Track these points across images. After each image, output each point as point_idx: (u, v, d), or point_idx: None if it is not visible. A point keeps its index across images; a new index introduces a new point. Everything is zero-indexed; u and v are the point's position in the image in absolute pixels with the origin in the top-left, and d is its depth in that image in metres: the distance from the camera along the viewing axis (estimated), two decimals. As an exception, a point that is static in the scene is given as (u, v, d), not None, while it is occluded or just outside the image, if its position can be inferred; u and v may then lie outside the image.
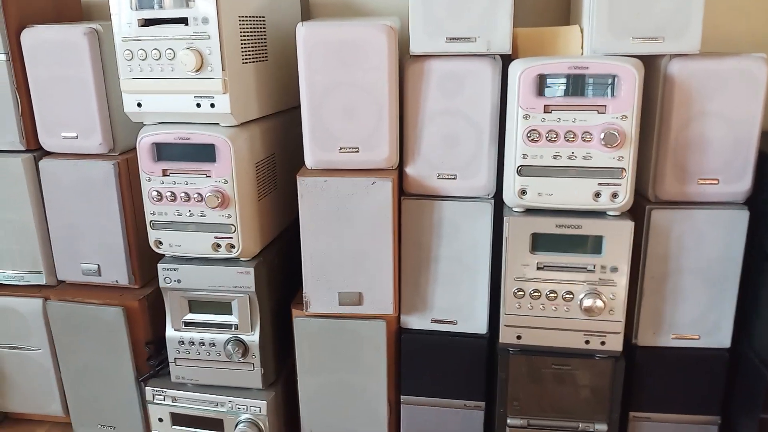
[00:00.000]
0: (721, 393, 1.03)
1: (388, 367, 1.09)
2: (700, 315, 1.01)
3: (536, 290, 0.98)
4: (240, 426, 1.13)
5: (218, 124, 0.97)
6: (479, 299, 1.05)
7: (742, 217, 0.96)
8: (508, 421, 1.06)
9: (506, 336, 1.01)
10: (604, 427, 1.04)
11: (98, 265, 1.15)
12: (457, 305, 1.07)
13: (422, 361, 1.09)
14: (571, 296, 0.97)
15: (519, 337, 1.01)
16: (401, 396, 1.12)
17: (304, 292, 1.05)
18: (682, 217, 0.96)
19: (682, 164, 0.94)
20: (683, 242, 0.97)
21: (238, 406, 1.13)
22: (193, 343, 1.11)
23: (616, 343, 0.99)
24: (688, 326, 1.01)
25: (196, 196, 1.00)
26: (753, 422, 0.99)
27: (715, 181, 0.95)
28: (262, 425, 1.13)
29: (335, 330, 1.08)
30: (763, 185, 0.96)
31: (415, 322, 1.09)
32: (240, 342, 1.09)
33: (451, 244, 1.03)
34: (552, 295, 0.97)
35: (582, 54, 0.93)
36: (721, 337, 1.02)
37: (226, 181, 0.98)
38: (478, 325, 1.07)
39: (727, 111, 0.92)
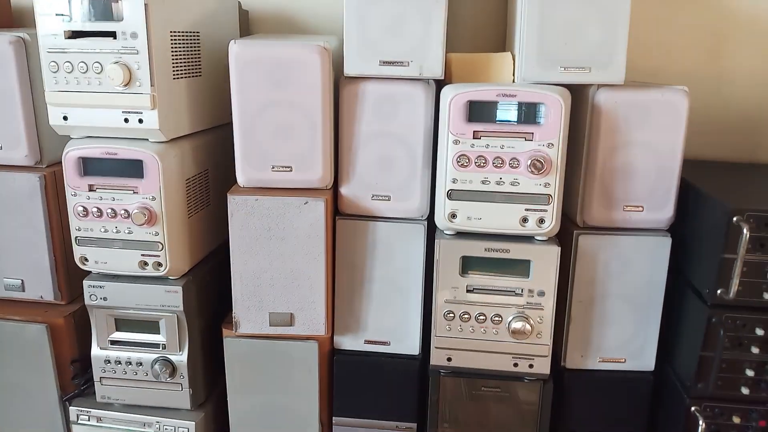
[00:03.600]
0: (645, 415, 1.06)
1: (320, 388, 1.08)
2: (626, 339, 1.03)
3: (466, 313, 0.98)
4: (169, 448, 1.10)
5: (147, 139, 0.95)
6: (412, 320, 1.05)
7: (665, 243, 0.98)
8: (440, 442, 1.06)
9: (437, 358, 1.01)
10: (532, 449, 1.05)
11: (22, 280, 1.11)
12: (390, 326, 1.06)
13: (355, 382, 1.08)
14: (500, 319, 0.98)
15: (449, 359, 1.01)
16: (334, 417, 1.11)
17: (233, 312, 1.03)
18: (608, 243, 0.99)
19: (608, 191, 0.97)
20: (609, 267, 0.99)
21: (165, 427, 1.10)
22: (120, 363, 1.08)
23: (543, 366, 1.00)
24: (615, 350, 1.03)
25: (122, 212, 0.97)
26: (675, 443, 1.02)
27: (640, 209, 0.98)
28: (189, 447, 1.11)
29: (266, 351, 1.06)
30: (685, 213, 0.99)
31: (348, 342, 1.08)
32: (168, 362, 1.07)
33: (385, 265, 1.03)
34: (481, 317, 0.98)
35: (513, 81, 0.94)
36: (646, 360, 1.04)
37: (153, 198, 0.96)
38: (411, 346, 1.07)
39: (651, 140, 0.94)
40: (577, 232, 0.99)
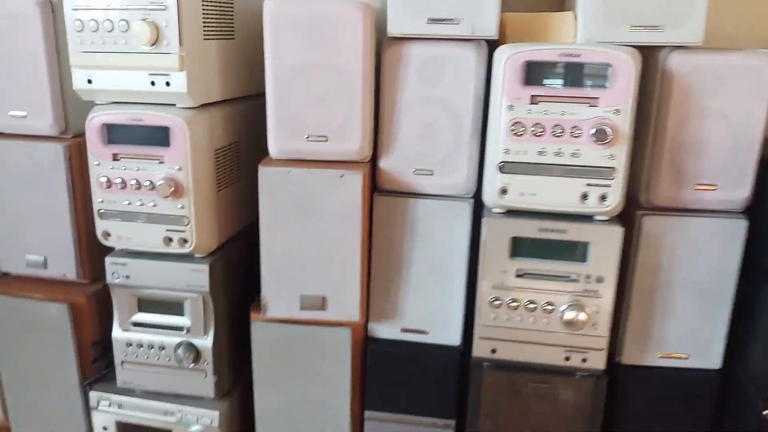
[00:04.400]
0: (709, 419, 0.96)
1: (352, 380, 1.00)
2: (690, 333, 0.93)
3: (514, 300, 0.90)
4: (200, 439, 1.03)
5: (174, 105, 0.89)
6: (453, 308, 0.97)
7: (740, 227, 0.88)
8: (481, 441, 0.97)
9: (480, 349, 0.93)
10: (579, 451, 0.96)
11: (44, 257, 1.06)
12: (429, 314, 0.98)
13: (390, 374, 1.00)
14: (552, 308, 0.89)
15: (494, 351, 0.93)
16: (366, 411, 1.03)
17: (262, 293, 0.96)
18: (676, 225, 0.89)
19: (678, 167, 0.87)
20: (676, 252, 0.90)
21: (188, 416, 1.04)
22: (142, 346, 1.02)
23: (598, 361, 0.91)
24: (677, 344, 0.94)
25: (147, 183, 0.91)
26: (744, 452, 0.91)
27: (713, 187, 0.88)
28: (215, 438, 1.04)
29: (296, 337, 0.99)
30: (764, 194, 0.89)
31: (384, 330, 1.00)
32: (191, 346, 1.00)
33: (426, 246, 0.95)
34: (531, 305, 0.89)
35: (575, 42, 0.86)
36: (712, 358, 0.94)
37: (180, 169, 0.90)
38: (451, 336, 0.99)
39: (728, 111, 0.85)
40: (641, 213, 0.89)
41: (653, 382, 0.95)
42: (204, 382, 1.02)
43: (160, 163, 0.90)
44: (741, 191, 0.87)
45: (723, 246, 0.89)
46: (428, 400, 1.01)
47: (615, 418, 0.97)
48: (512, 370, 0.94)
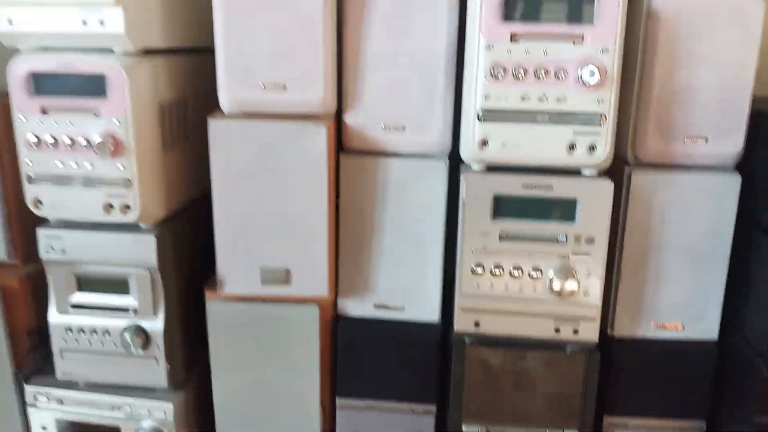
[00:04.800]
0: (708, 393, 0.88)
1: (321, 363, 0.91)
2: (684, 300, 0.86)
3: (498, 266, 0.81)
4: (140, 434, 0.92)
5: (112, 51, 0.78)
6: (431, 280, 0.88)
7: (733, 183, 0.82)
8: (464, 428, 0.88)
9: (462, 322, 0.84)
10: (575, 434, 0.88)
11: (-30, 237, 0.94)
12: (404, 287, 0.89)
13: (363, 356, 0.91)
14: (540, 274, 0.81)
15: (477, 324, 0.84)
16: (337, 398, 0.93)
17: (217, 267, 0.86)
18: (666, 182, 0.82)
19: (666, 119, 0.80)
20: (667, 212, 0.83)
21: (138, 411, 0.93)
22: (83, 331, 0.91)
23: (591, 332, 0.83)
24: (671, 313, 0.86)
25: (82, 141, 0.80)
26: (746, 425, 0.84)
27: (704, 139, 0.81)
28: (167, 434, 0.93)
29: (257, 316, 0.89)
30: (756, 146, 0.82)
31: (355, 307, 0.91)
32: (140, 330, 0.89)
33: (398, 211, 0.86)
34: (516, 272, 0.81)
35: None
36: (708, 327, 0.87)
37: (119, 123, 0.79)
38: (430, 311, 0.90)
39: (717, 57, 0.78)
40: (630, 169, 0.82)
41: (647, 356, 0.87)
42: (155, 371, 0.92)
43: (96, 116, 0.80)
44: (733, 144, 0.80)
45: (716, 204, 0.82)
46: (406, 384, 0.91)
47: (607, 398, 0.89)
48: (497, 346, 0.85)
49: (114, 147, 0.79)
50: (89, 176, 0.82)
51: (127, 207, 0.83)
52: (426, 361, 0.90)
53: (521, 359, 0.85)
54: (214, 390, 0.93)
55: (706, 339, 0.87)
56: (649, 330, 0.87)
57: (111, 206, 0.84)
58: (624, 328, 0.87)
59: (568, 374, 0.85)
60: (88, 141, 0.80)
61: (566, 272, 0.79)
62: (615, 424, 0.90)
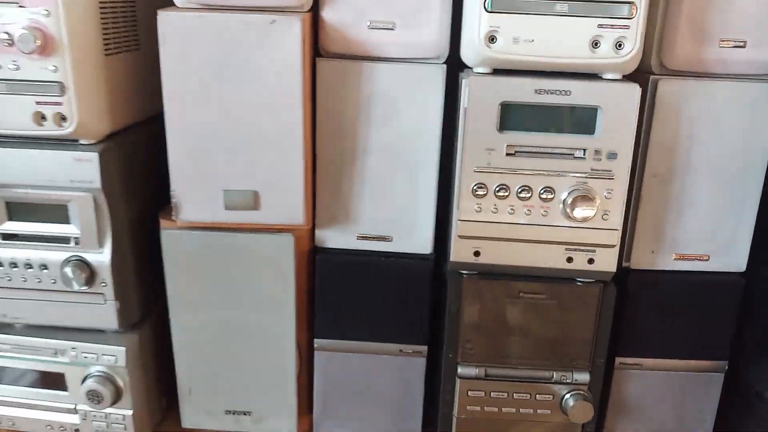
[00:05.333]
0: (731, 331, 0.79)
1: (297, 301, 0.79)
2: (711, 228, 0.76)
3: (503, 186, 0.69)
4: (88, 382, 0.81)
5: None
6: (423, 207, 0.77)
7: (773, 94, 0.70)
8: (459, 370, 0.78)
9: (460, 252, 0.73)
10: (585, 376, 0.78)
11: None
12: (392, 216, 0.77)
13: (344, 292, 0.80)
14: (552, 194, 0.69)
15: (477, 254, 0.73)
16: (315, 339, 0.82)
17: (172, 189, 0.73)
18: (697, 92, 0.70)
19: (699, 20, 0.68)
20: (696, 127, 0.71)
21: (85, 356, 0.81)
22: (17, 265, 0.78)
23: (608, 261, 0.72)
24: (696, 243, 0.76)
25: (4, 36, 0.65)
26: (772, 368, 0.75)
27: (741, 44, 0.69)
28: (119, 381, 0.81)
29: (221, 248, 0.77)
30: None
31: (336, 238, 0.79)
32: (82, 264, 0.77)
33: (386, 127, 0.74)
34: (525, 192, 0.69)
35: None
36: (736, 258, 0.77)
37: (47, 13, 0.65)
38: (421, 242, 0.78)
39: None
40: (656, 78, 0.70)
41: (667, 290, 0.78)
42: (103, 311, 0.79)
43: (19, 6, 0.65)
44: (773, 49, 0.69)
45: (752, 118, 0.71)
46: (393, 323, 0.81)
47: (621, 337, 0.79)
48: (499, 278, 0.74)
49: (42, 43, 0.65)
50: (14, 79, 0.68)
51: (63, 118, 0.69)
52: (417, 296, 0.79)
53: (526, 293, 0.74)
54: (173, 331, 0.81)
55: (733, 271, 0.77)
56: (669, 261, 0.77)
57: (43, 117, 0.70)
58: (642, 259, 0.77)
59: (578, 310, 0.75)
60: (10, 35, 0.65)
61: (583, 193, 0.68)
62: (627, 366, 0.81)
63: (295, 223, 0.75)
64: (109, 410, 0.83)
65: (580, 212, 0.68)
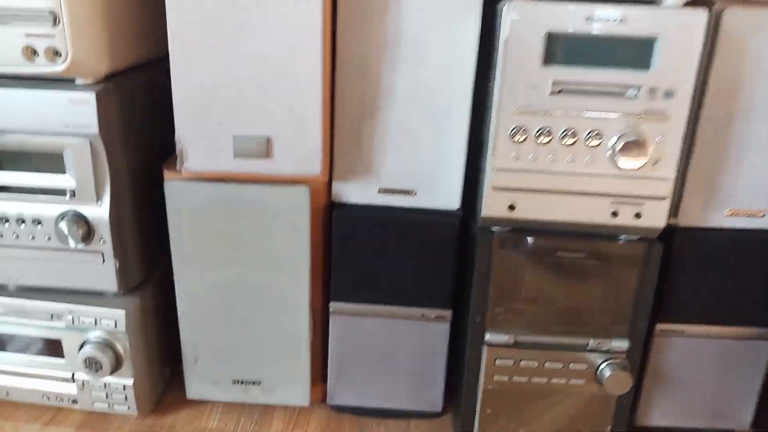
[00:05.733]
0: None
1: (312, 260, 0.73)
2: (769, 181, 0.69)
3: (545, 129, 0.62)
4: (86, 349, 0.74)
5: None
6: (452, 158, 0.70)
7: None
8: (487, 336, 0.72)
9: (493, 205, 0.66)
10: (623, 344, 0.72)
11: None
12: (417, 168, 0.71)
13: (363, 252, 0.73)
14: (599, 140, 0.62)
15: (512, 208, 0.66)
16: (331, 302, 0.76)
17: (177, 136, 0.66)
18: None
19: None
20: (763, 65, 0.64)
21: (82, 320, 0.74)
22: (8, 221, 0.71)
23: (657, 216, 0.66)
24: (752, 198, 0.69)
25: (-15, -45, 0.58)
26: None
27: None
28: (119, 348, 0.75)
29: (229, 201, 0.70)
30: None
31: (355, 192, 0.72)
32: (79, 218, 0.70)
33: (413, 67, 0.67)
34: (569, 138, 0.62)
35: None
36: (795, 215, 0.70)
37: (35, -72, 0.57)
38: (448, 196, 0.72)
39: None
40: (720, 6, 0.62)
41: (717, 249, 0.71)
42: (102, 270, 0.73)
43: None
44: None
45: (826, 56, 0.64)
46: (416, 285, 0.74)
47: (662, 301, 0.73)
48: (536, 235, 0.67)
49: (28, -40, 0.57)
50: (2, 7, 0.60)
51: (56, 53, 0.62)
52: (442, 256, 0.73)
53: (563, 251, 0.68)
54: (177, 294, 0.75)
55: (791, 228, 0.71)
56: (721, 218, 0.70)
57: (34, 52, 0.63)
58: (691, 214, 0.70)
59: (620, 270, 0.68)
60: (-9, -48, 0.58)
61: (634, 138, 0.61)
62: (669, 332, 0.74)
63: (311, 174, 0.68)
64: (108, 379, 0.77)
65: (629, 160, 0.61)
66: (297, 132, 0.66)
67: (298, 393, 0.79)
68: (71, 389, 0.78)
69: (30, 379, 0.79)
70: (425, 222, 0.71)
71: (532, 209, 0.66)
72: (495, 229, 0.68)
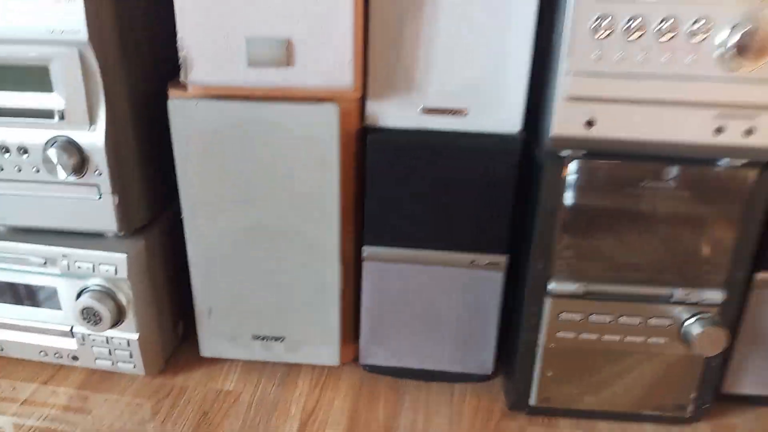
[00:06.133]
0: None
1: (343, 197, 0.61)
2: None
3: (636, 19, 0.49)
4: (83, 298, 0.65)
5: None
6: (513, 69, 0.57)
7: None
8: (551, 285, 0.60)
9: (565, 121, 0.54)
10: (717, 295, 0.59)
11: None
12: (470, 81, 0.58)
13: (402, 186, 0.61)
14: (707, 33, 0.49)
15: (590, 124, 0.53)
16: (363, 247, 0.65)
17: (179, 39, 0.55)
18: None
19: None
20: None
21: (78, 265, 0.64)
22: (-11, 149, 0.61)
23: (772, 133, 0.52)
24: None
25: None
26: None
27: None
28: (121, 297, 0.65)
29: (244, 124, 0.59)
30: None
31: (393, 113, 0.60)
32: (70, 145, 0.59)
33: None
34: (668, 33, 0.49)
35: None
36: None
37: None
38: (508, 116, 0.59)
39: None
40: None
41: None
42: (99, 208, 0.63)
43: None
44: None
45: None
46: (465, 226, 0.63)
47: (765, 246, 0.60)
48: (616, 160, 0.55)
49: None
50: None
51: (31, -64, 0.51)
52: (498, 190, 0.61)
53: (649, 180, 0.55)
54: (187, 236, 0.65)
55: None
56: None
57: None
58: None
59: (720, 203, 0.56)
60: None
61: (754, 27, 0.47)
62: (771, 283, 0.61)
63: (340, 87, 0.56)
64: (110, 333, 0.67)
65: (745, 59, 0.48)
66: (323, 34, 0.54)
67: (327, 351, 0.69)
68: (70, 344, 0.69)
69: (25, 333, 0.70)
70: (479, 149, 0.59)
71: (615, 125, 0.53)
72: (565, 153, 0.56)
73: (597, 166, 0.55)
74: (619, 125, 0.53)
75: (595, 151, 0.55)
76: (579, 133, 0.54)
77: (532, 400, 0.65)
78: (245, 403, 0.68)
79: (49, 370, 0.72)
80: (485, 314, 0.67)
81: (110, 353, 0.68)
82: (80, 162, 0.60)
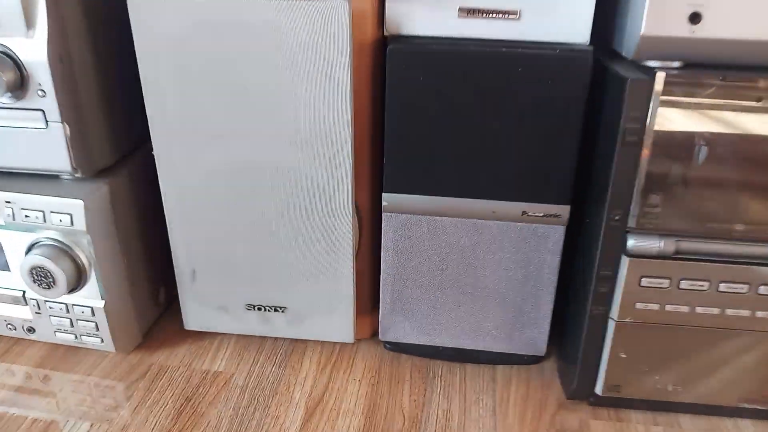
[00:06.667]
0: None
1: (356, 129, 0.47)
2: None
3: None
4: (32, 254, 0.51)
5: None
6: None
7: None
8: (631, 242, 0.46)
9: (660, 21, 0.39)
10: None
11: None
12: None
13: (433, 112, 0.47)
14: None
15: (695, 19, 0.39)
16: (383, 195, 0.51)
17: None
18: None
19: None
20: None
21: (26, 213, 0.51)
22: None
23: None
24: None
25: None
26: None
27: None
28: (80, 255, 0.52)
29: (226, 23, 0.44)
30: None
31: (421, 16, 0.46)
32: (4, 57, 0.46)
33: None
34: None
35: None
36: None
37: None
38: (572, 22, 0.45)
39: None
40: None
41: None
42: (47, 140, 0.49)
43: None
44: None
45: None
46: (514, 167, 0.48)
47: None
48: (725, 72, 0.40)
49: None
50: None
51: None
52: (561, 119, 0.46)
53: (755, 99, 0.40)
54: (160, 176, 0.51)
55: None
56: None
57: None
58: None
59: None
60: None
61: None
62: None
63: (354, -22, 0.42)
64: (70, 299, 0.54)
65: None
66: None
67: (339, 324, 0.56)
68: (24, 313, 0.57)
69: (-30, 300, 0.57)
70: (537, 62, 0.45)
71: (731, 21, 0.38)
72: (656, 65, 0.41)
73: (698, 83, 0.40)
74: (737, 20, 0.38)
75: (695, 62, 0.40)
76: (679, 33, 0.39)
77: (598, 388, 0.52)
78: (237, 388, 0.55)
79: (1, 344, 0.60)
80: (539, 280, 0.53)
81: (72, 324, 0.56)
82: (18, 79, 0.47)
